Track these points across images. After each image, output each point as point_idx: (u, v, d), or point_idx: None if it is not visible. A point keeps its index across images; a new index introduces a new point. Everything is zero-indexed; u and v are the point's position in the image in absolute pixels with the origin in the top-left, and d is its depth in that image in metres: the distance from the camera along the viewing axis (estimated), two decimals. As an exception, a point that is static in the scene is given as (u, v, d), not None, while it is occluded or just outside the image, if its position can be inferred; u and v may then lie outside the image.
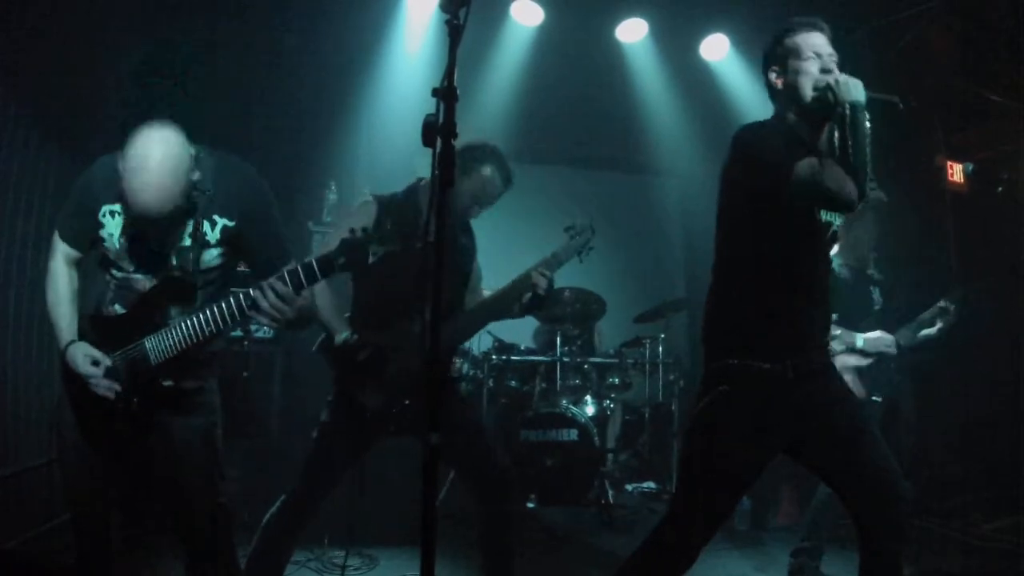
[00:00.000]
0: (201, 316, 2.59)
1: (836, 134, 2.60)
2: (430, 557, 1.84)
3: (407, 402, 3.23)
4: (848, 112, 2.56)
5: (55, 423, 2.74)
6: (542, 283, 3.38)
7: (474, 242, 3.69)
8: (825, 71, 2.69)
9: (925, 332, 4.42)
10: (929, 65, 5.87)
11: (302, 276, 2.53)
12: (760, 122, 2.81)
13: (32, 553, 3.95)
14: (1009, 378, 5.28)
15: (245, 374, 5.13)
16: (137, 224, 2.56)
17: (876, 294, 4.49)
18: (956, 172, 5.94)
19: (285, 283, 2.50)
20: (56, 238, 2.80)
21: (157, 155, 2.43)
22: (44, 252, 2.85)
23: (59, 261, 2.78)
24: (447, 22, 2.06)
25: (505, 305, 3.49)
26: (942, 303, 4.47)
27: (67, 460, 2.73)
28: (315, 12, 5.64)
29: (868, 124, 2.56)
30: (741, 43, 6.35)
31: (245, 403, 5.05)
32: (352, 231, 2.55)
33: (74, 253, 2.79)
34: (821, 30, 2.77)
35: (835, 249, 3.03)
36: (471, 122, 5.69)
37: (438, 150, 1.90)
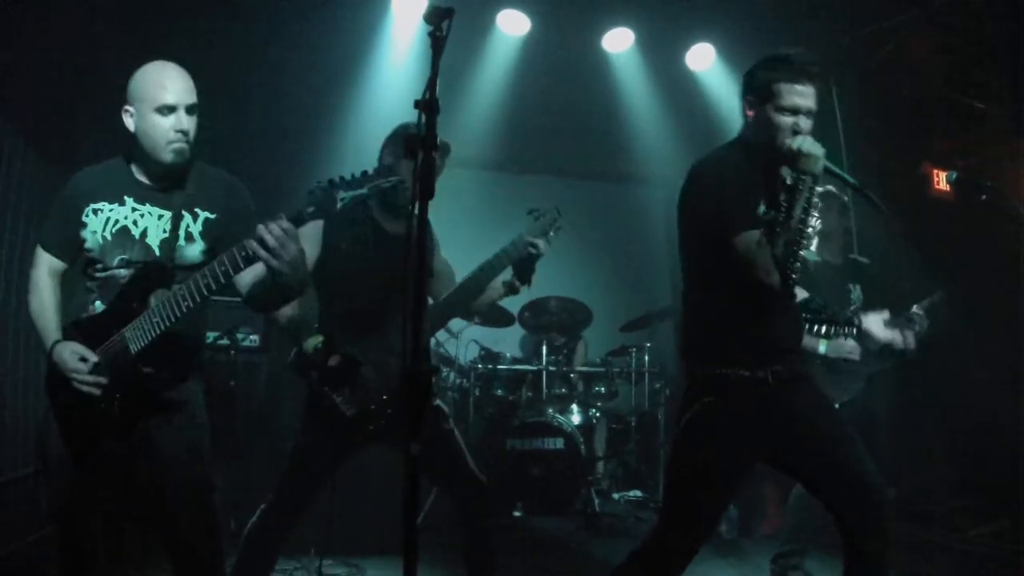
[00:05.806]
0: (177, 292, 2.54)
1: (782, 195, 2.58)
2: (412, 567, 1.84)
3: (388, 411, 3.23)
4: (799, 182, 2.55)
5: (41, 435, 2.72)
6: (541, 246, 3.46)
7: (432, 235, 3.65)
8: (796, 132, 2.65)
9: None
10: (913, 73, 5.93)
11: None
12: (718, 157, 2.87)
13: (17, 565, 3.92)
14: (1001, 385, 5.31)
15: (231, 383, 5.13)
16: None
17: (856, 292, 4.45)
18: (941, 180, 5.99)
19: (283, 218, 2.41)
20: (39, 250, 2.81)
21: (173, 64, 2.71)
22: (28, 263, 2.85)
23: (42, 273, 2.79)
24: (430, 34, 2.07)
25: (476, 289, 3.50)
26: (914, 310, 4.48)
27: (52, 473, 2.72)
28: (303, 22, 5.65)
29: (815, 195, 2.58)
30: (727, 53, 6.38)
31: (231, 412, 5.06)
32: (318, 182, 2.51)
33: (58, 264, 2.80)
34: (811, 80, 2.70)
35: (813, 245, 3.05)
36: (457, 131, 5.71)
37: (419, 162, 1.91)
